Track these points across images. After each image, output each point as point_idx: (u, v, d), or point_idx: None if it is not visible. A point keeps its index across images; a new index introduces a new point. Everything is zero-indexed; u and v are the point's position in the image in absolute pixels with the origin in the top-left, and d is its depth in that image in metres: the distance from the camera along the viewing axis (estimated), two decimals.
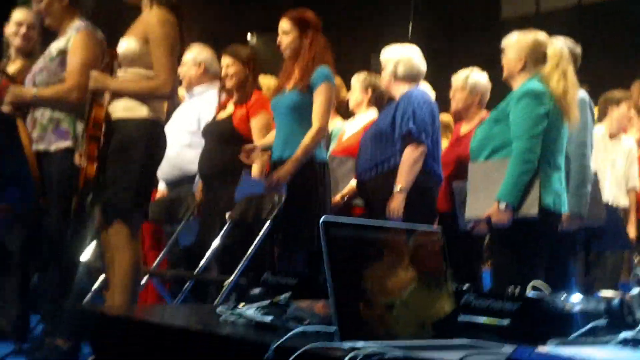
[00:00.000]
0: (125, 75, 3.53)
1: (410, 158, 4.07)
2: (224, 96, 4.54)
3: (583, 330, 1.58)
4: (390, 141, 4.15)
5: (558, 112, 3.52)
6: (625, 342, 1.43)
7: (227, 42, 4.87)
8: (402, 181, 4.04)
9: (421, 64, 4.37)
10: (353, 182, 4.51)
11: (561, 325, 1.61)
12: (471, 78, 4.59)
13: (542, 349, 1.28)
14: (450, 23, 9.50)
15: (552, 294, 1.85)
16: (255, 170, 4.31)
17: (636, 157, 5.32)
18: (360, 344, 1.42)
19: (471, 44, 8.29)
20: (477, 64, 4.80)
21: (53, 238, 3.80)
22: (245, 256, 3.82)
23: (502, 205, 3.40)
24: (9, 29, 4.39)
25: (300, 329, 1.60)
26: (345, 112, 5.19)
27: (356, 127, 4.72)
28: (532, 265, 3.45)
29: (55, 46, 3.88)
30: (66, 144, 3.78)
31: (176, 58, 3.60)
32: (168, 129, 4.74)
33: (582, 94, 3.89)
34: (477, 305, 1.76)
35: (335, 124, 5.00)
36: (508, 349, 1.36)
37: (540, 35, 3.69)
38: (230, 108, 4.45)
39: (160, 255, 4.55)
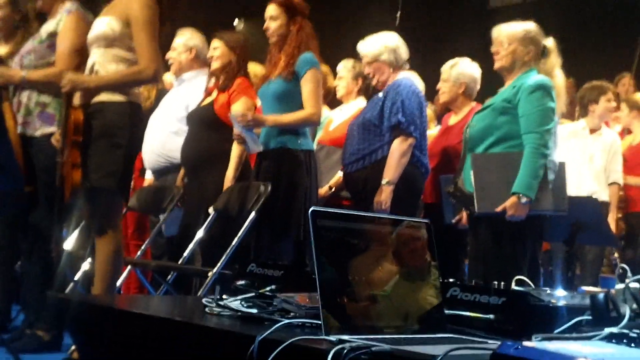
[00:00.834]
0: (105, 59, 3.46)
1: (398, 151, 4.05)
2: (212, 82, 4.50)
3: (568, 325, 1.58)
4: (378, 132, 4.13)
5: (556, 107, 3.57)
6: (610, 337, 1.44)
7: (214, 27, 4.84)
8: (390, 174, 4.03)
9: (405, 51, 4.35)
10: (341, 173, 4.50)
11: (546, 320, 1.62)
12: (456, 68, 4.56)
13: (527, 344, 1.28)
14: (439, 12, 9.48)
15: (536, 289, 1.86)
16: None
17: (619, 150, 5.31)
18: (345, 337, 1.42)
19: (460, 33, 8.27)
20: (467, 54, 4.77)
21: (38, 227, 3.77)
22: (230, 247, 3.80)
23: (523, 199, 3.40)
24: None
25: (285, 321, 1.60)
26: (331, 100, 5.18)
27: (345, 116, 4.68)
28: (533, 259, 3.49)
29: (45, 29, 3.84)
30: (52, 129, 3.75)
31: (157, 42, 3.56)
32: (155, 115, 4.72)
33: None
34: (463, 299, 1.76)
35: (323, 112, 4.98)
36: (493, 344, 1.36)
37: (533, 26, 3.68)
38: (214, 94, 4.42)
39: (144, 246, 4.53)
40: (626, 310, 1.57)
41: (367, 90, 4.72)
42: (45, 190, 3.72)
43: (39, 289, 3.77)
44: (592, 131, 5.28)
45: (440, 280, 1.73)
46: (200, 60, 4.74)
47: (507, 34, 3.66)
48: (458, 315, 1.73)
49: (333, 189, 4.56)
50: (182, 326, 1.71)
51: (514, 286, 1.89)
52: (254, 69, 4.74)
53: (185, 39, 4.74)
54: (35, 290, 3.84)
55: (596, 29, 8.20)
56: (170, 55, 4.72)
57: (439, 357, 1.22)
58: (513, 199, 3.41)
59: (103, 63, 3.45)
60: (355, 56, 4.57)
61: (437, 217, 4.04)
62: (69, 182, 3.42)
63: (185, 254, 4.06)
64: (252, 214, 3.86)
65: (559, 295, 1.73)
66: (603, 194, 5.16)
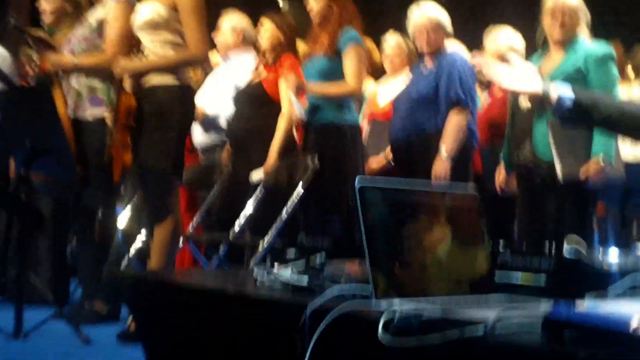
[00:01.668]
0: (153, 44, 3.51)
1: (457, 124, 4.02)
2: (260, 62, 4.53)
3: (619, 285, 1.56)
4: (433, 105, 4.09)
5: None
6: None
7: (257, 7, 4.86)
8: (449, 147, 4.00)
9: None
10: None
11: (599, 281, 1.60)
12: (495, 38, 4.49)
13: (580, 304, 1.27)
14: None
15: (588, 249, 1.84)
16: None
17: None
18: (396, 302, 1.42)
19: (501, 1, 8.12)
20: (508, 22, 4.70)
21: (91, 207, 3.85)
22: (280, 219, 3.83)
23: (606, 163, 3.40)
24: None
25: (336, 289, 1.61)
26: (377, 74, 5.16)
27: (397, 90, 4.62)
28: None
29: (94, 16, 3.91)
30: (102, 112, 3.82)
31: (205, 25, 3.60)
32: (202, 93, 4.76)
33: None
34: (513, 263, 1.74)
35: (368, 86, 4.96)
36: (545, 305, 1.35)
37: None
38: (262, 72, 4.45)
39: (195, 220, 4.59)
40: None
41: (413, 62, 4.70)
42: (96, 172, 3.80)
43: (95, 265, 3.86)
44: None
45: (490, 246, 1.73)
46: (246, 42, 4.78)
47: (571, 4, 3.61)
48: (509, 279, 1.71)
49: (389, 160, 4.55)
50: (234, 298, 1.74)
51: (566, 247, 1.87)
52: (299, 47, 4.75)
53: (233, 21, 4.77)
54: (91, 266, 3.94)
55: None
56: (218, 38, 4.76)
57: (490, 321, 1.22)
58: (596, 162, 3.39)
59: (153, 48, 3.50)
60: (400, 29, 4.54)
61: (482, 186, 4.02)
62: (118, 163, 3.48)
63: (235, 227, 4.11)
64: (300, 190, 3.89)
65: (612, 255, 1.71)
66: None
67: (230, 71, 4.73)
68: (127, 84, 3.54)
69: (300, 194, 3.89)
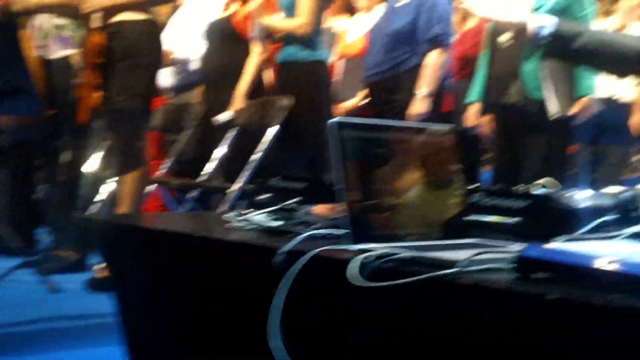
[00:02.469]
0: None
1: (436, 63, 4.00)
2: None
3: (592, 225, 1.57)
4: (410, 41, 4.04)
5: None
6: (635, 236, 1.43)
7: None
8: (428, 85, 3.97)
9: None
10: None
11: (570, 222, 1.61)
12: None
13: (551, 245, 1.28)
14: None
15: (561, 190, 1.85)
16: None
17: None
18: (370, 245, 1.42)
19: None
20: None
21: (59, 149, 3.79)
22: (252, 162, 3.81)
23: (592, 100, 3.48)
24: None
25: (309, 232, 1.61)
26: (347, 9, 5.10)
27: (369, 26, 4.57)
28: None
29: None
30: (70, 51, 3.74)
31: None
32: (170, 33, 4.67)
33: None
34: (486, 205, 1.75)
35: (338, 24, 4.91)
36: (517, 246, 1.36)
37: None
38: (232, 7, 4.36)
39: (166, 163, 4.55)
40: None
41: None
42: (66, 112, 3.73)
43: (63, 212, 3.83)
44: (622, 28, 5.16)
45: (465, 187, 1.73)
46: None
47: None
48: (481, 221, 1.72)
49: (366, 100, 4.53)
50: (205, 241, 1.73)
51: (538, 188, 1.88)
52: None
53: None
54: (59, 213, 3.90)
55: None
56: None
57: (463, 262, 1.22)
58: (586, 100, 3.42)
59: None
60: None
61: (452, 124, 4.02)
62: (87, 104, 3.42)
63: (207, 171, 4.08)
64: (275, 128, 3.86)
65: (584, 196, 1.72)
66: (628, 95, 5.09)
67: (199, 8, 4.63)
68: (95, 21, 3.45)
69: (274, 134, 3.86)
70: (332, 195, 1.81)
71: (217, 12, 4.46)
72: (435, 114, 4.01)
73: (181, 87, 4.72)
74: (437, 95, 4.05)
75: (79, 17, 3.64)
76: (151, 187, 4.14)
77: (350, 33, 4.75)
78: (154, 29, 3.46)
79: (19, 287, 3.46)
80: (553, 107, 3.46)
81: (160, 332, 1.92)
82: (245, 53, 4.19)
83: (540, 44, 2.10)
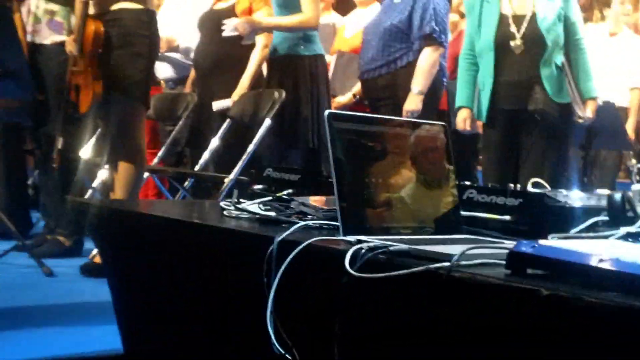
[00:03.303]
0: None
1: (430, 60, 4.00)
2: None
3: (584, 225, 1.59)
4: (405, 39, 4.05)
5: None
6: (626, 237, 1.45)
7: None
8: (421, 83, 3.98)
9: None
10: None
11: (563, 221, 1.62)
12: None
13: (545, 242, 1.29)
14: None
15: (553, 190, 1.86)
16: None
17: None
18: (364, 237, 1.43)
19: None
20: None
21: (52, 134, 3.79)
22: (245, 154, 3.82)
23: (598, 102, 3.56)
24: None
25: (304, 223, 1.62)
26: (338, 6, 5.11)
27: (365, 22, 4.57)
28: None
29: None
30: (61, 37, 3.73)
31: None
32: (167, 20, 4.66)
33: None
34: (479, 201, 1.76)
35: (336, 20, 4.91)
36: (509, 243, 1.37)
37: None
38: None
39: (160, 153, 4.55)
40: None
41: None
42: (57, 98, 3.73)
43: (58, 196, 3.82)
44: (612, 34, 5.19)
45: (457, 183, 1.74)
46: None
47: None
48: (474, 217, 1.73)
49: (358, 97, 4.53)
50: (201, 228, 1.74)
51: (530, 188, 1.90)
52: None
53: None
54: (53, 197, 3.90)
55: None
56: None
57: (456, 255, 1.23)
58: (595, 102, 3.48)
59: None
60: None
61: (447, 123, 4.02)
62: (88, 93, 3.40)
63: (200, 162, 4.08)
64: (267, 121, 3.86)
65: (576, 197, 1.73)
66: (622, 99, 5.11)
67: None
68: (91, 7, 3.44)
69: (268, 126, 3.86)
70: (327, 187, 1.82)
71: (212, 2, 4.45)
72: (431, 111, 4.02)
73: (178, 79, 4.72)
74: (433, 93, 4.06)
75: (72, 3, 3.63)
76: (145, 175, 4.14)
77: (348, 28, 4.76)
78: (151, 18, 3.46)
79: (13, 269, 3.47)
80: (578, 110, 3.53)
81: (154, 317, 1.93)
82: (239, 45, 4.19)
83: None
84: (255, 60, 4.17)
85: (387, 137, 1.65)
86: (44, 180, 4.06)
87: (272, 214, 1.78)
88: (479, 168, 4.70)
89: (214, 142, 4.11)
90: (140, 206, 2.49)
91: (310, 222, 1.65)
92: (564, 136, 3.63)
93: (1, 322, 2.71)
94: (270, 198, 1.89)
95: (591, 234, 1.54)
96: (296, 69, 3.96)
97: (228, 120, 4.13)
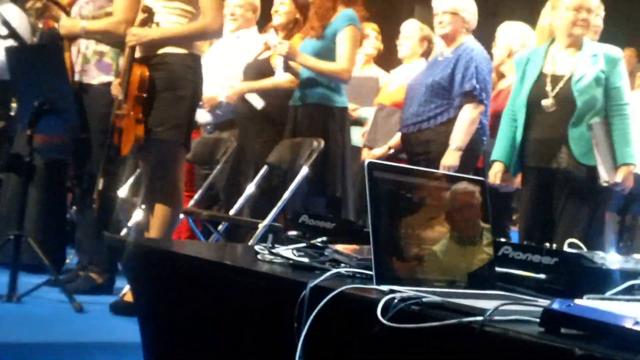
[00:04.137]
0: (166, 10, 3.47)
1: (469, 117, 4.03)
2: (270, 36, 4.53)
3: (621, 287, 1.57)
4: (447, 95, 4.09)
5: None
6: None
7: None
8: (460, 139, 4.01)
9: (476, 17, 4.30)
10: (399, 134, 4.48)
11: (598, 283, 1.61)
12: (505, 32, 4.52)
13: (580, 301, 1.28)
14: None
15: (589, 251, 1.85)
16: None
17: None
18: (397, 287, 1.43)
19: None
20: (520, 18, 4.71)
21: (93, 172, 3.84)
22: (281, 200, 3.84)
23: (636, 169, 3.57)
24: None
25: (337, 270, 1.62)
26: (379, 60, 5.17)
27: (408, 77, 4.62)
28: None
29: None
30: (109, 78, 3.81)
31: None
32: (210, 68, 4.75)
33: None
34: (514, 258, 1.75)
35: (372, 71, 4.98)
36: (544, 301, 1.36)
37: None
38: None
39: (196, 196, 4.60)
40: None
41: (429, 53, 4.71)
42: (99, 138, 3.79)
43: (93, 233, 3.86)
44: None
45: (492, 240, 1.73)
46: (256, 17, 4.78)
47: (593, 3, 3.64)
48: (509, 274, 1.72)
49: (392, 150, 4.57)
50: (235, 270, 1.75)
51: (566, 248, 1.88)
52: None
53: None
54: (89, 234, 3.94)
55: None
56: (234, 10, 4.71)
57: (490, 310, 1.22)
58: (629, 169, 3.45)
59: (165, 15, 3.48)
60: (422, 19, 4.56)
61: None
62: (130, 137, 3.44)
63: (236, 206, 4.11)
64: (304, 169, 3.89)
65: (612, 259, 1.72)
66: None
67: (237, 48, 4.70)
68: (138, 51, 3.52)
69: (304, 174, 3.90)
70: (361, 236, 1.83)
71: (256, 51, 4.54)
72: (469, 168, 4.02)
73: (217, 124, 4.79)
74: (471, 150, 4.07)
75: (120, 44, 3.71)
76: (180, 217, 4.18)
77: (392, 82, 4.82)
78: (196, 62, 3.53)
79: (45, 303, 3.50)
80: (604, 174, 3.50)
81: (182, 358, 1.93)
82: (279, 95, 4.27)
83: None
84: (276, 83, 4.26)
85: (425, 190, 1.66)
86: (81, 217, 4.11)
87: (306, 260, 1.78)
88: (513, 228, 4.67)
89: (250, 188, 4.15)
90: (175, 246, 2.50)
91: (343, 270, 1.65)
92: (595, 199, 3.58)
93: (30, 356, 2.73)
94: (304, 244, 1.90)
95: (627, 297, 1.52)
96: (327, 118, 4.02)
97: (265, 166, 4.18)
